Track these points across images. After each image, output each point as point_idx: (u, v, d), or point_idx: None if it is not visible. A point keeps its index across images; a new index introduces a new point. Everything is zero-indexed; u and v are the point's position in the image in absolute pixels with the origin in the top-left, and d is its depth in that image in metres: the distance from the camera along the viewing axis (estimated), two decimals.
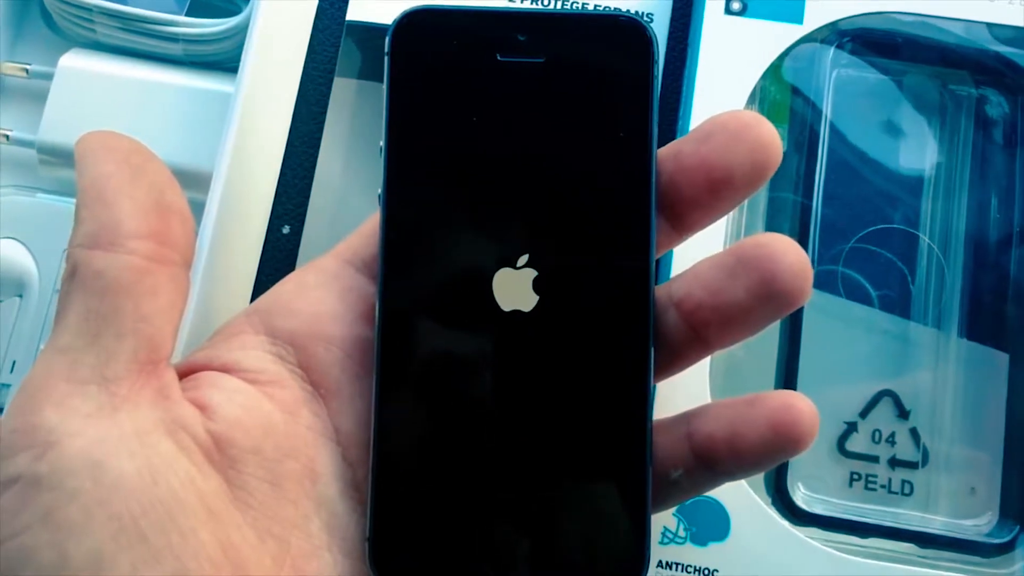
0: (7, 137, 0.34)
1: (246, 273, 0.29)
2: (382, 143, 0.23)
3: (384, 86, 0.23)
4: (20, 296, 0.33)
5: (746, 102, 0.30)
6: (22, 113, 0.34)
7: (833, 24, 0.30)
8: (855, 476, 0.30)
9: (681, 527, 0.28)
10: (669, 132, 0.30)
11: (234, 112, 0.29)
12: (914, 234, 0.31)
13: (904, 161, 0.32)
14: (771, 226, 0.31)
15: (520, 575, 0.22)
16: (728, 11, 0.30)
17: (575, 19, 0.24)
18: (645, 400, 0.22)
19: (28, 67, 0.34)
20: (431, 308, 0.23)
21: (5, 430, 0.19)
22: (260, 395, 0.22)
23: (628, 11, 0.24)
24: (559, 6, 0.32)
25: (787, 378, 0.30)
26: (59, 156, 0.33)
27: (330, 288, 0.24)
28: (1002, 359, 0.30)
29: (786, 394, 0.21)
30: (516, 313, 0.23)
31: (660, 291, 0.23)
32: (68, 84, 0.33)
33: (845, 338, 0.31)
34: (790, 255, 0.21)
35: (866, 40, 0.32)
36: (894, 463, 0.30)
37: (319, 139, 0.31)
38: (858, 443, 0.30)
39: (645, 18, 0.31)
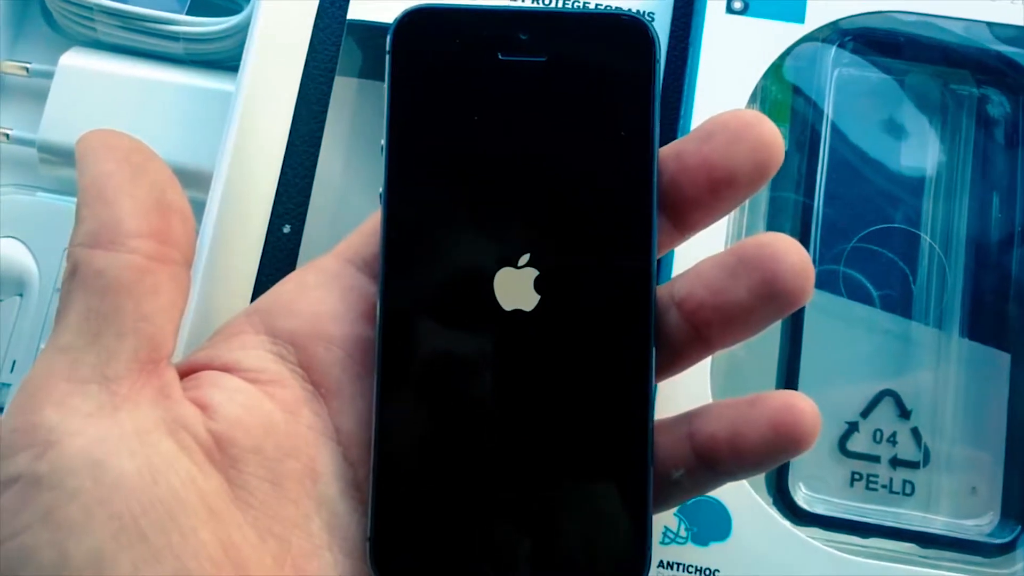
0: (7, 136, 0.34)
1: (246, 272, 0.29)
2: (383, 142, 0.23)
3: (385, 85, 0.23)
4: (20, 295, 0.33)
5: (747, 101, 0.29)
6: (22, 112, 0.34)
7: (834, 23, 0.30)
8: (856, 476, 0.30)
9: (682, 527, 0.27)
10: (670, 131, 0.30)
11: (235, 111, 0.29)
12: (915, 234, 0.31)
13: (905, 161, 0.32)
14: (772, 226, 0.31)
15: (521, 575, 0.22)
16: (729, 10, 0.30)
17: (577, 18, 0.24)
18: (646, 400, 0.22)
19: (28, 66, 0.34)
20: (432, 307, 0.23)
21: (5, 429, 0.19)
22: (261, 395, 0.22)
23: (630, 10, 0.24)
24: (561, 5, 0.32)
25: (788, 378, 0.30)
26: (59, 155, 0.33)
27: (331, 287, 0.23)
28: (1003, 359, 0.30)
29: (788, 394, 0.21)
30: (517, 312, 0.23)
31: (661, 291, 0.23)
32: (69, 83, 0.33)
33: (846, 338, 0.31)
34: (792, 255, 0.21)
35: (867, 39, 0.32)
36: (895, 463, 0.30)
37: (320, 138, 0.31)
38: (859, 443, 0.30)
39: (646, 17, 0.31)
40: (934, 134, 0.32)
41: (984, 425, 0.30)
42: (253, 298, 0.29)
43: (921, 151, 0.32)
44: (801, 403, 0.21)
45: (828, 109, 0.32)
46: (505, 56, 0.23)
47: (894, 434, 0.30)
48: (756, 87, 0.30)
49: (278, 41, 0.30)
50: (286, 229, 0.30)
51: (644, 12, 0.32)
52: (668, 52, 0.31)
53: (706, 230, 0.24)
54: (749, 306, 0.22)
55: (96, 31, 0.33)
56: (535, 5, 0.32)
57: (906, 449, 0.30)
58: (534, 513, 0.22)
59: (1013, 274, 0.31)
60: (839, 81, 0.32)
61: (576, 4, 0.32)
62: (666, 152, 0.23)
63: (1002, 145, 0.32)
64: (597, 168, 0.23)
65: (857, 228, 0.31)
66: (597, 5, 0.32)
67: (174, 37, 0.33)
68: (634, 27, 0.23)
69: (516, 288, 0.23)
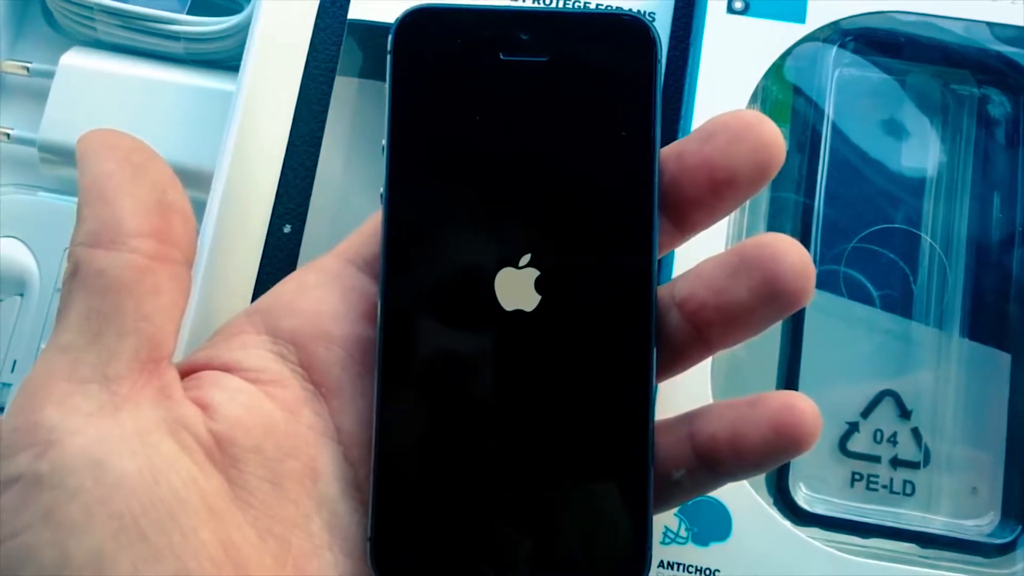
0: (8, 136, 0.34)
1: (247, 272, 0.29)
2: (384, 142, 0.23)
3: (387, 85, 0.23)
4: (21, 295, 0.33)
5: (748, 101, 0.29)
6: (23, 111, 0.34)
7: (835, 23, 0.30)
8: (857, 476, 0.30)
9: (683, 527, 0.27)
10: (670, 131, 0.30)
11: (235, 111, 0.29)
12: (916, 234, 0.31)
13: (906, 161, 0.32)
14: (773, 226, 0.31)
15: (521, 575, 0.22)
16: (730, 10, 0.30)
17: (578, 18, 0.24)
18: (647, 400, 0.22)
19: (29, 65, 0.34)
20: (433, 307, 0.23)
21: (6, 429, 0.19)
22: (261, 394, 0.22)
23: (631, 10, 0.24)
24: (562, 5, 0.32)
25: (789, 378, 0.30)
26: (60, 154, 0.33)
27: (331, 287, 0.23)
28: (1004, 359, 0.30)
29: (788, 395, 0.21)
30: (518, 313, 0.23)
31: (662, 291, 0.23)
32: (69, 82, 0.33)
33: (847, 338, 0.31)
34: (793, 255, 0.21)
35: (868, 39, 0.32)
36: (896, 463, 0.30)
37: (320, 138, 0.30)
38: (860, 443, 0.30)
39: (647, 17, 0.31)
40: (935, 134, 0.32)
41: (984, 425, 0.30)
42: (253, 298, 0.29)
43: (922, 151, 0.32)
44: (802, 404, 0.21)
45: (829, 109, 0.32)
46: (506, 56, 0.23)
47: (894, 434, 0.30)
48: (757, 87, 0.30)
49: (279, 41, 0.30)
50: (286, 229, 0.30)
51: (645, 12, 0.32)
52: (669, 52, 0.31)
53: (707, 231, 0.24)
54: (750, 306, 0.22)
55: (96, 31, 0.33)
56: (536, 5, 0.32)
57: (906, 449, 0.30)
58: (535, 513, 0.22)
59: (1014, 274, 0.31)
60: (840, 81, 0.32)
61: (577, 4, 0.32)
62: (667, 152, 0.23)
63: (1003, 145, 0.32)
64: (598, 168, 0.23)
65: (858, 228, 0.31)
66: (598, 5, 0.32)
67: (175, 37, 0.33)
68: (635, 27, 0.23)
69: (517, 288, 0.23)
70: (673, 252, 0.28)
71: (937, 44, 0.31)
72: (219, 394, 0.22)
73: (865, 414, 0.30)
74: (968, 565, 0.28)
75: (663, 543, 0.27)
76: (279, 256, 0.30)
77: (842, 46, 0.32)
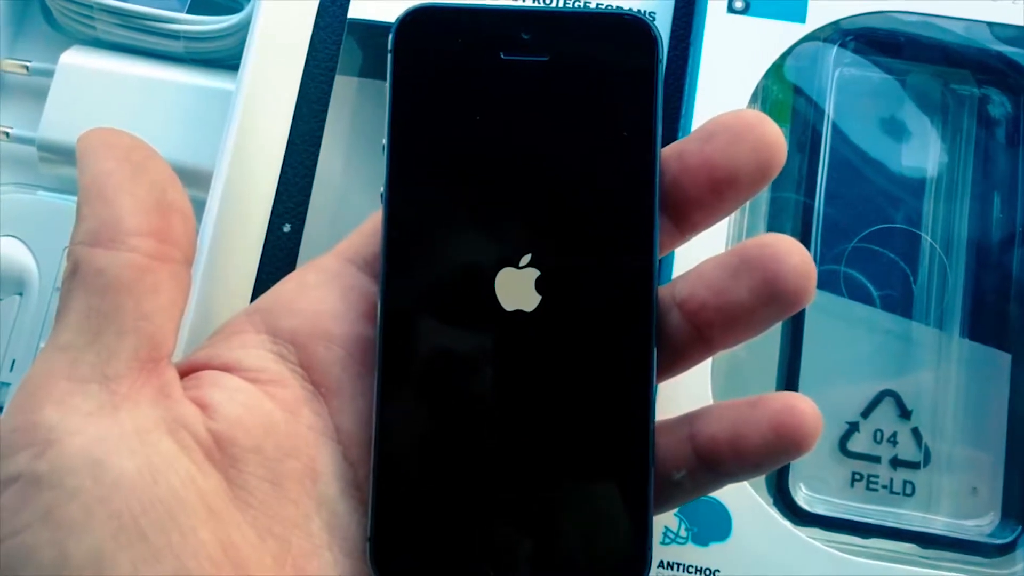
0: (7, 134, 0.34)
1: (246, 272, 0.29)
2: (384, 141, 0.23)
3: (387, 84, 0.23)
4: (20, 294, 0.33)
5: (748, 101, 0.29)
6: (22, 110, 0.34)
7: (835, 23, 0.30)
8: (857, 476, 0.30)
9: (683, 527, 0.27)
10: (671, 131, 0.30)
11: (235, 110, 0.29)
12: (916, 234, 0.31)
13: (906, 161, 0.32)
14: (773, 226, 0.31)
15: (521, 575, 0.22)
16: (730, 10, 0.30)
17: (579, 17, 0.24)
18: (647, 401, 0.22)
19: (28, 64, 0.34)
20: (433, 307, 0.23)
21: (5, 428, 0.19)
22: (261, 394, 0.22)
23: (631, 9, 0.24)
24: (562, 5, 0.32)
25: (789, 378, 0.30)
26: (60, 153, 0.33)
27: (331, 287, 0.23)
28: (1004, 359, 0.30)
29: (789, 396, 0.21)
30: (518, 313, 0.23)
31: (663, 291, 0.23)
32: (69, 81, 0.33)
33: (847, 338, 0.31)
34: (794, 256, 0.21)
35: (869, 39, 0.32)
36: (896, 463, 0.30)
37: (320, 137, 0.30)
38: (860, 443, 0.30)
39: (648, 16, 0.31)
40: (935, 134, 0.32)
41: (985, 425, 0.30)
42: (253, 297, 0.29)
43: (922, 151, 0.32)
44: (802, 405, 0.21)
45: (829, 109, 0.32)
46: (507, 55, 0.23)
47: (895, 434, 0.30)
48: (757, 87, 0.30)
49: (279, 40, 0.30)
50: (286, 228, 0.30)
51: (645, 12, 0.32)
52: (669, 51, 0.31)
53: (707, 231, 0.24)
54: (751, 307, 0.22)
55: (96, 29, 0.33)
56: (537, 5, 0.32)
57: (906, 449, 0.30)
58: (535, 513, 0.22)
59: (1014, 274, 0.31)
60: (840, 81, 0.32)
61: (578, 3, 0.32)
62: (668, 152, 0.23)
63: (1003, 145, 0.32)
64: (599, 168, 0.23)
65: (858, 228, 0.31)
66: (598, 5, 0.32)
67: (174, 36, 0.33)
68: (636, 26, 0.23)
69: (517, 288, 0.23)
70: (673, 252, 0.28)
71: (937, 44, 0.31)
72: (219, 394, 0.22)
73: (865, 414, 0.30)
74: (968, 565, 0.28)
75: (663, 543, 0.27)
76: (279, 255, 0.30)
77: (842, 46, 0.32)
